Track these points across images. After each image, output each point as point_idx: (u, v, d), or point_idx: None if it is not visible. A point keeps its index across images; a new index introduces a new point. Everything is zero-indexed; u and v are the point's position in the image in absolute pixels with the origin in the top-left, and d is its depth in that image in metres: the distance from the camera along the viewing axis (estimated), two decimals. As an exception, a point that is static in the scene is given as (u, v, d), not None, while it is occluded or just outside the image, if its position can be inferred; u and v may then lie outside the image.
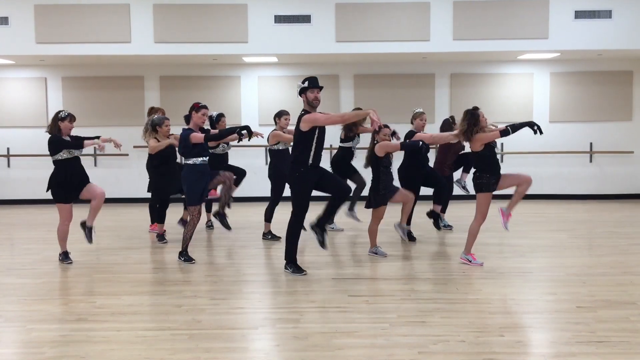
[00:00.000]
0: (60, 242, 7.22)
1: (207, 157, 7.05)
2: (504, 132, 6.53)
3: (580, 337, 4.54)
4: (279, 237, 8.10)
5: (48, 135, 6.98)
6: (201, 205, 7.20)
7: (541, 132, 6.51)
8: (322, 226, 6.60)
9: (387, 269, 6.70)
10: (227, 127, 8.71)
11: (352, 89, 12.52)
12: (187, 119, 7.12)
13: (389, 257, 7.20)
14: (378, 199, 7.10)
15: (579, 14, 10.99)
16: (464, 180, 9.14)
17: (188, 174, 6.96)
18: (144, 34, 11.01)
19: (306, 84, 6.33)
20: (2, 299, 5.72)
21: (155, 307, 5.38)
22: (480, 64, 12.42)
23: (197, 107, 7.01)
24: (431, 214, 8.58)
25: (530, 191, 12.60)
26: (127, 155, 11.92)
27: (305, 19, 11.02)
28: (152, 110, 9.09)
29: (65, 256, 7.20)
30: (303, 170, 6.34)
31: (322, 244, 6.58)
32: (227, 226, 7.47)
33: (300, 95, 6.41)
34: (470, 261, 6.85)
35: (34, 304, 5.51)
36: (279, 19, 11.02)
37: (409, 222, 7.98)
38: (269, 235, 8.36)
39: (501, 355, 4.22)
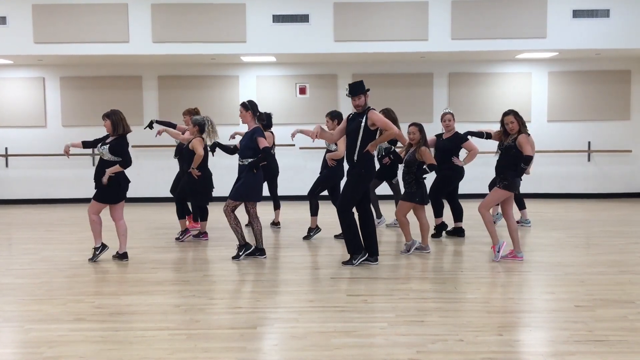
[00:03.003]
0: (94, 236, 7.25)
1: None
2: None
3: (579, 336, 4.54)
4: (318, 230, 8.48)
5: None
6: (255, 204, 7.33)
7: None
8: (375, 252, 6.86)
9: (385, 268, 6.70)
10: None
11: (351, 89, 12.51)
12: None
13: (387, 256, 7.20)
14: (404, 194, 7.42)
15: (577, 13, 11.01)
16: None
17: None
18: (142, 34, 11.00)
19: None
20: (1, 298, 5.71)
21: (153, 307, 5.38)
22: (479, 63, 12.42)
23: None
24: (456, 231, 8.40)
25: (528, 190, 12.55)
26: (125, 155, 11.89)
27: (304, 18, 11.02)
28: (195, 111, 9.04)
29: (101, 248, 7.23)
30: (367, 169, 6.68)
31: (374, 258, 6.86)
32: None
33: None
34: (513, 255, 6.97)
35: (33, 304, 5.50)
36: (277, 19, 11.02)
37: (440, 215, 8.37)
38: (311, 232, 8.46)
39: (499, 355, 4.22)
